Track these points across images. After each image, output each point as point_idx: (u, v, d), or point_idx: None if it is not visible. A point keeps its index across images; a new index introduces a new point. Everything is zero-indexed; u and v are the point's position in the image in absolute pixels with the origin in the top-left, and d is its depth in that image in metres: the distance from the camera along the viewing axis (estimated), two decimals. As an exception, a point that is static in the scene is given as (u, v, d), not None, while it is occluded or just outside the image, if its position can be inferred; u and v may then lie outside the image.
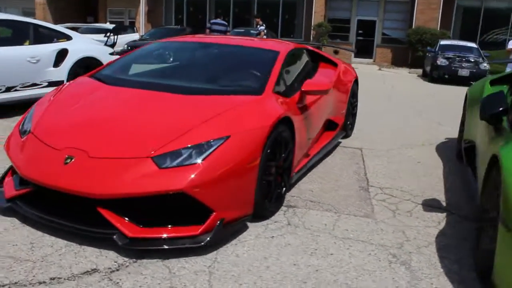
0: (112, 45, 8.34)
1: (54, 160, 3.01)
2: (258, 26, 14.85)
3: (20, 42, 6.88)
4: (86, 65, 7.35)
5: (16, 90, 6.54)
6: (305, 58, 5.42)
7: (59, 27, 7.52)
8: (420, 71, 19.20)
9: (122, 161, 2.93)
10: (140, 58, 4.89)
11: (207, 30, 13.80)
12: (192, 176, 2.83)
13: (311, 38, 23.96)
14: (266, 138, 3.27)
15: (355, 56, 23.16)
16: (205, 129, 3.15)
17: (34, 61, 6.70)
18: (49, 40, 7.16)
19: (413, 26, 22.76)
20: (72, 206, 2.97)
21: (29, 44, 6.92)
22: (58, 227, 2.94)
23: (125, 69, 4.61)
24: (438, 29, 22.32)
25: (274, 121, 3.40)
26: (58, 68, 7.00)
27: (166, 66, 4.94)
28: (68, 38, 7.38)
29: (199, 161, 2.91)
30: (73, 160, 2.96)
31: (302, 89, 4.22)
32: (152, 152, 2.95)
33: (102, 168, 2.90)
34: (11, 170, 3.54)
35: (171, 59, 5.04)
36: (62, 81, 7.03)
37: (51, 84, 6.93)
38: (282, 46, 4.84)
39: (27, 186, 3.11)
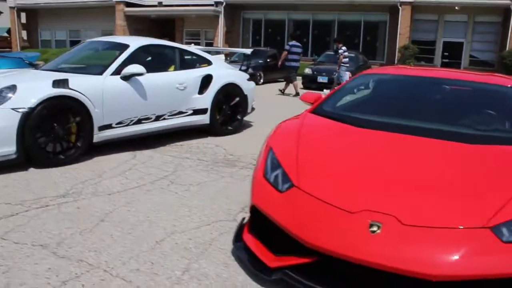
0: (246, 70, 7.86)
1: (352, 226, 2.38)
2: (338, 49, 14.35)
3: (165, 68, 6.49)
4: (228, 92, 6.88)
5: (164, 119, 6.11)
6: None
7: (200, 51, 7.09)
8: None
9: (450, 231, 2.26)
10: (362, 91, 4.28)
11: (285, 52, 13.57)
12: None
13: (396, 61, 23.06)
14: None
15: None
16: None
17: (182, 88, 6.26)
18: (193, 66, 6.74)
19: (507, 48, 21.44)
20: (372, 283, 2.32)
21: (175, 70, 6.51)
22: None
23: (357, 106, 4.00)
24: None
25: None
26: (203, 95, 6.54)
27: (405, 104, 4.16)
28: (209, 63, 6.94)
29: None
30: (381, 228, 2.32)
31: None
32: (489, 221, 2.27)
33: (424, 239, 2.25)
34: (248, 224, 2.97)
35: (403, 95, 4.27)
36: (206, 109, 6.57)
37: (195, 112, 6.48)
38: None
39: (309, 255, 2.47)
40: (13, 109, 4.62)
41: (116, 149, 5.73)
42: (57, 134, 4.97)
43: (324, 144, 3.22)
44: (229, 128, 7.06)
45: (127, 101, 5.60)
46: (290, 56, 13.51)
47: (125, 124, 5.64)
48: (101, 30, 30.19)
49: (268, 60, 18.16)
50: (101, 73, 5.54)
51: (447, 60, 24.22)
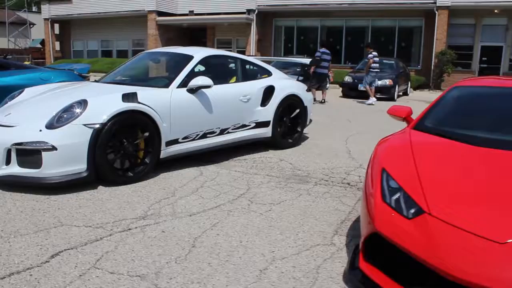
0: (304, 80, 7.60)
1: (503, 257, 2.12)
2: (368, 54, 14.38)
3: (228, 79, 6.28)
4: (289, 104, 6.63)
5: (228, 133, 5.89)
6: None
7: (260, 62, 6.86)
8: None
9: None
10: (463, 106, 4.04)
11: (317, 59, 13.63)
12: None
13: (432, 67, 22.54)
14: None
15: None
16: None
17: (245, 100, 6.04)
18: (254, 77, 6.52)
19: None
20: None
21: (236, 82, 6.30)
22: None
23: (459, 120, 3.72)
24: None
25: None
26: (265, 107, 6.29)
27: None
28: (269, 73, 6.71)
29: None
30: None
31: None
32: None
33: None
34: (363, 251, 2.71)
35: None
36: (269, 122, 6.33)
37: (258, 125, 6.25)
38: None
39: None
40: (85, 125, 4.45)
41: (179, 165, 5.52)
42: (126, 150, 4.78)
43: (444, 164, 2.95)
44: (290, 140, 6.80)
45: (194, 114, 5.40)
46: (322, 64, 13.53)
47: (191, 138, 5.43)
48: (132, 40, 30.46)
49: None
50: (167, 86, 5.35)
51: (485, 65, 23.53)
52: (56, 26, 32.23)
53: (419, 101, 15.51)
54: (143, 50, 29.61)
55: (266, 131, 6.34)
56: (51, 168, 4.33)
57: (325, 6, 24.29)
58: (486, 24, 23.50)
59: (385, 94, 15.66)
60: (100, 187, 4.66)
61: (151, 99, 4.96)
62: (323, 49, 13.78)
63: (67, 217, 3.83)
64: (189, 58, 5.80)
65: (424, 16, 23.78)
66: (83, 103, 4.57)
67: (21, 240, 3.35)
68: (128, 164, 4.85)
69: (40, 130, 4.39)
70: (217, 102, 5.63)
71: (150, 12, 26.99)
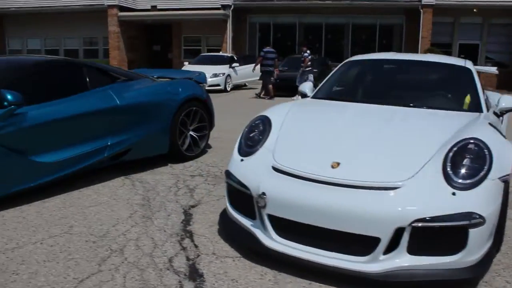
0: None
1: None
2: (302, 53, 15.25)
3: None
4: None
5: None
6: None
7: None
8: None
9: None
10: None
11: (260, 58, 15.20)
12: None
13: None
14: None
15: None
16: None
17: None
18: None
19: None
20: None
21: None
22: None
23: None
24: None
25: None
26: None
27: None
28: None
29: None
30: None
31: None
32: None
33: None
34: None
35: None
36: None
37: None
38: None
39: None
40: (499, 179, 2.87)
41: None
42: None
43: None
44: None
45: None
46: (266, 62, 15.02)
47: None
48: (83, 38, 27.32)
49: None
50: (476, 110, 3.89)
51: (463, 62, 23.80)
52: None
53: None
54: (97, 50, 27.02)
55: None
56: (475, 251, 2.71)
57: (305, 3, 23.19)
58: (464, 22, 23.76)
59: None
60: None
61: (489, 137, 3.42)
62: (267, 48, 15.33)
63: None
64: (467, 72, 4.40)
65: (404, 14, 23.54)
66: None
67: None
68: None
69: (453, 194, 2.73)
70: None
71: (111, 6, 24.13)
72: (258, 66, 15.69)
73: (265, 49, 15.29)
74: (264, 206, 3.00)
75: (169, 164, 5.60)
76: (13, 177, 4.02)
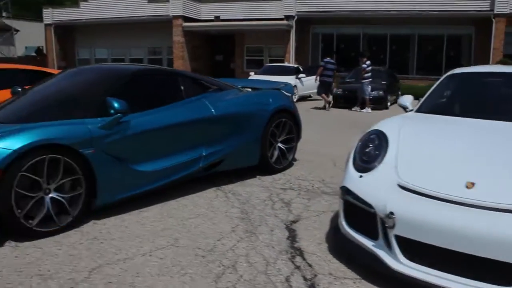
0: None
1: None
2: (362, 64, 14.75)
3: None
4: None
5: None
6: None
7: None
8: None
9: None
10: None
11: (321, 68, 14.76)
12: None
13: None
14: None
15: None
16: None
17: None
18: None
19: None
20: None
21: None
22: None
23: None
24: None
25: None
26: None
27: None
28: None
29: None
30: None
31: None
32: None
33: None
34: None
35: None
36: None
37: None
38: None
39: None
40: None
41: None
42: None
43: None
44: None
45: None
46: (326, 72, 14.66)
47: None
48: (147, 48, 28.04)
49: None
50: None
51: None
52: (58, 32, 29.28)
53: None
54: (160, 59, 27.55)
55: None
56: None
57: (369, 14, 22.76)
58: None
59: (377, 103, 15.25)
60: None
61: None
62: (327, 59, 14.97)
63: None
64: None
65: (473, 24, 22.63)
66: None
67: None
68: None
69: None
70: None
71: (176, 17, 24.64)
72: None
73: (325, 59, 15.10)
74: (393, 227, 2.81)
75: (257, 176, 5.48)
76: (118, 185, 4.02)
